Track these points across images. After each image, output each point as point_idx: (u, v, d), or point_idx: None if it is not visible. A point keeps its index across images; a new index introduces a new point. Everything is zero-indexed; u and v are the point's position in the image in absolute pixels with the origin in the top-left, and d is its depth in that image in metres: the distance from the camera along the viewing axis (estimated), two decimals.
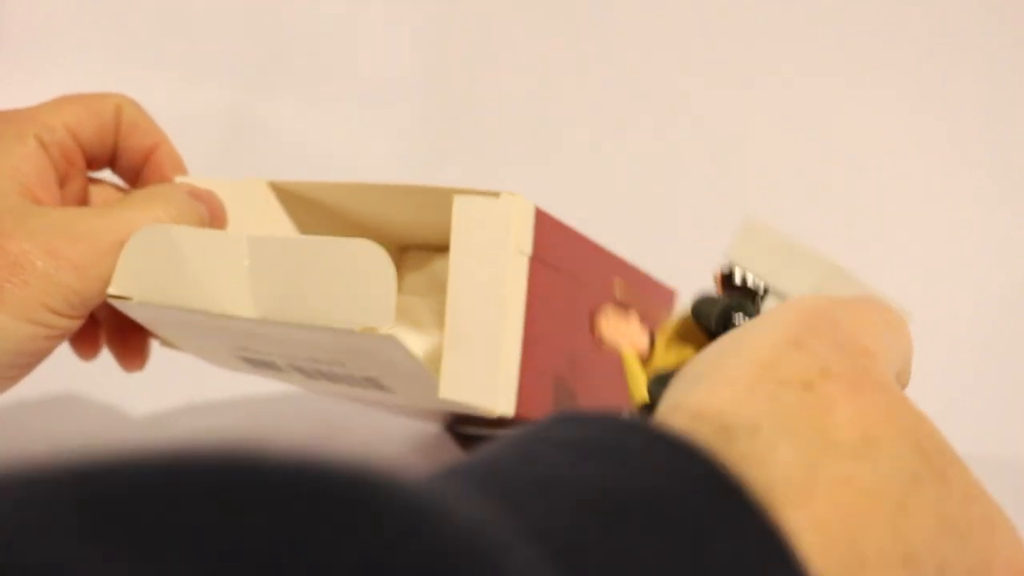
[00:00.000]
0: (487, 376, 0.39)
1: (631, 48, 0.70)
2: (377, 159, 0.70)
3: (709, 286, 0.41)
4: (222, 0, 0.71)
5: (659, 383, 0.33)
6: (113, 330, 0.46)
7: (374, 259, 0.35)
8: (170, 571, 0.12)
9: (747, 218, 0.38)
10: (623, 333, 0.36)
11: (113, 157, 0.45)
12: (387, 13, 0.71)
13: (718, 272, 0.38)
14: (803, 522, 0.20)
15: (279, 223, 0.46)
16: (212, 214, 0.42)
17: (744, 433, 0.21)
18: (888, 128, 0.68)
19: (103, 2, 0.71)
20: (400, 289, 0.45)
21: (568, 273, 0.43)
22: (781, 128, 0.68)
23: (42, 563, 0.12)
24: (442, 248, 0.49)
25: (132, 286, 0.39)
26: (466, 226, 0.40)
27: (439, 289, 0.47)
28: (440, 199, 0.42)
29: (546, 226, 0.41)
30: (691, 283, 0.69)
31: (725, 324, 0.34)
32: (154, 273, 0.38)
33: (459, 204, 0.40)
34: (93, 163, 0.44)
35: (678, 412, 0.23)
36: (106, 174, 0.46)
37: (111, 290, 0.39)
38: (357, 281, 0.35)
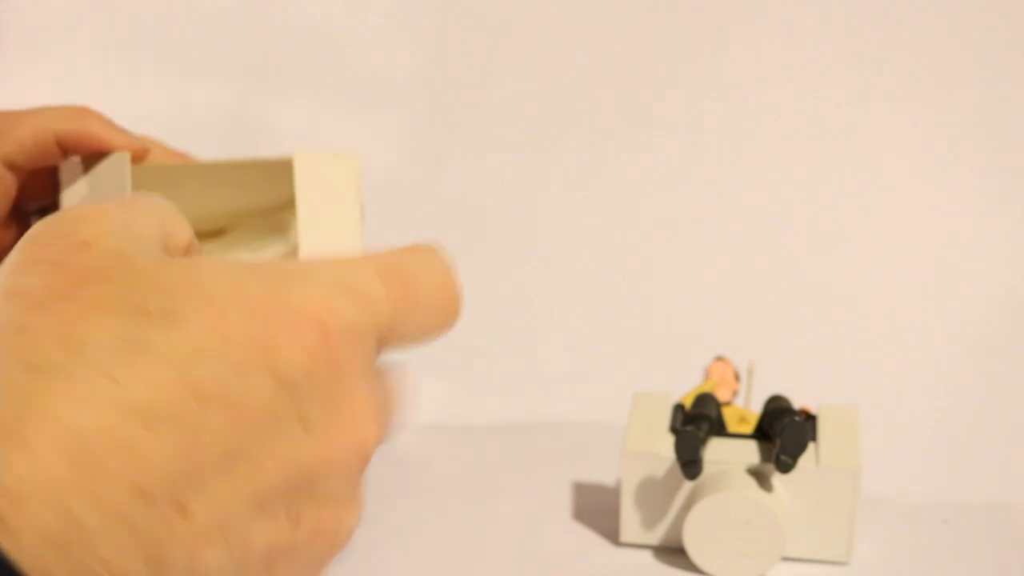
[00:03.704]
0: None
1: (631, 47, 0.70)
2: (377, 158, 0.70)
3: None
4: (222, 1, 0.71)
5: (682, 409, 0.46)
6: None
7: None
8: None
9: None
10: (725, 381, 0.47)
11: None
12: (387, 13, 0.71)
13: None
14: None
15: None
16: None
17: None
18: (888, 128, 0.68)
19: (102, 2, 0.71)
20: None
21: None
22: (781, 127, 0.68)
23: None
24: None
25: None
26: (310, 186, 0.42)
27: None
28: (265, 169, 0.44)
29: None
30: (689, 280, 0.69)
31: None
32: None
33: (300, 163, 0.42)
34: None
35: None
36: None
37: None
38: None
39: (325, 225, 0.41)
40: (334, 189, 0.42)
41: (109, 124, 0.45)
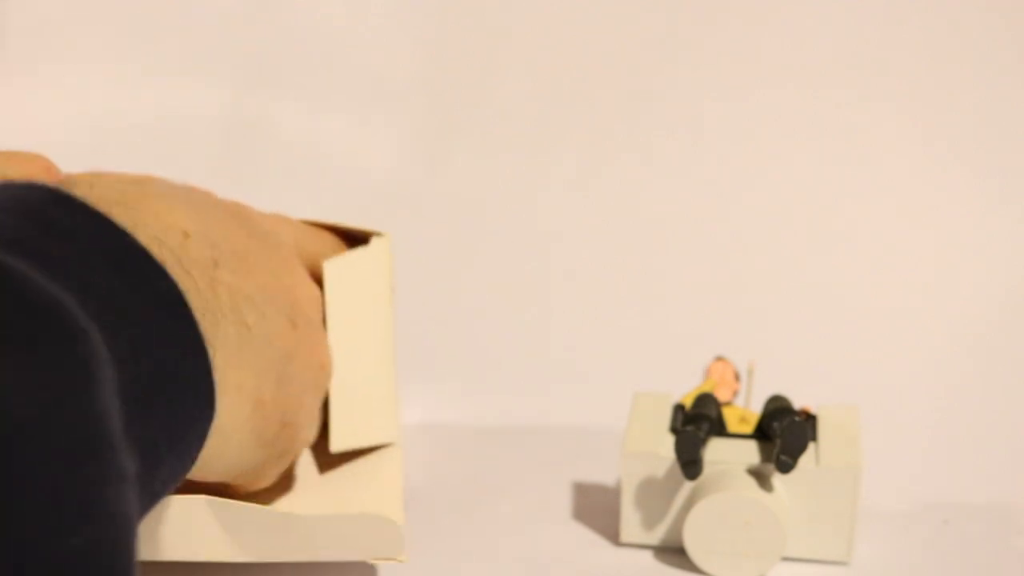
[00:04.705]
0: (384, 415, 0.42)
1: (631, 47, 0.70)
2: (378, 158, 0.70)
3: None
4: (222, 1, 0.71)
5: (682, 409, 0.46)
6: None
7: (382, 530, 0.37)
8: None
9: None
10: (725, 381, 0.47)
11: None
12: (387, 13, 0.71)
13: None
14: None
15: None
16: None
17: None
18: (888, 128, 0.68)
19: (103, 2, 0.71)
20: None
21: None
22: (781, 127, 0.68)
23: None
24: None
25: None
26: (340, 281, 0.42)
27: None
28: None
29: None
30: (689, 280, 0.69)
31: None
32: None
33: (330, 268, 0.42)
34: None
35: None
36: None
37: None
38: (360, 533, 0.37)
39: (354, 319, 0.42)
40: (364, 284, 0.43)
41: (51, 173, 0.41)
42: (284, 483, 0.43)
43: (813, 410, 0.46)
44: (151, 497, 0.28)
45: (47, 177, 0.41)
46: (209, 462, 0.34)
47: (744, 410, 0.46)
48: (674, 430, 0.45)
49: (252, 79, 0.72)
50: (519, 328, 0.65)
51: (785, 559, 0.43)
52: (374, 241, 0.44)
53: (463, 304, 0.66)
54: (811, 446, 0.43)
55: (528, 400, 0.59)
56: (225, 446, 0.35)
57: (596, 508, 0.48)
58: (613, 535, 0.46)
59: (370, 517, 0.37)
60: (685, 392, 0.47)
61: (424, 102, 0.71)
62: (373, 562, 0.38)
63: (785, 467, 0.41)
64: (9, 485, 0.21)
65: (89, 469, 0.23)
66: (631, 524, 0.45)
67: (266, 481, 0.40)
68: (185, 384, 0.29)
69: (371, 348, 0.42)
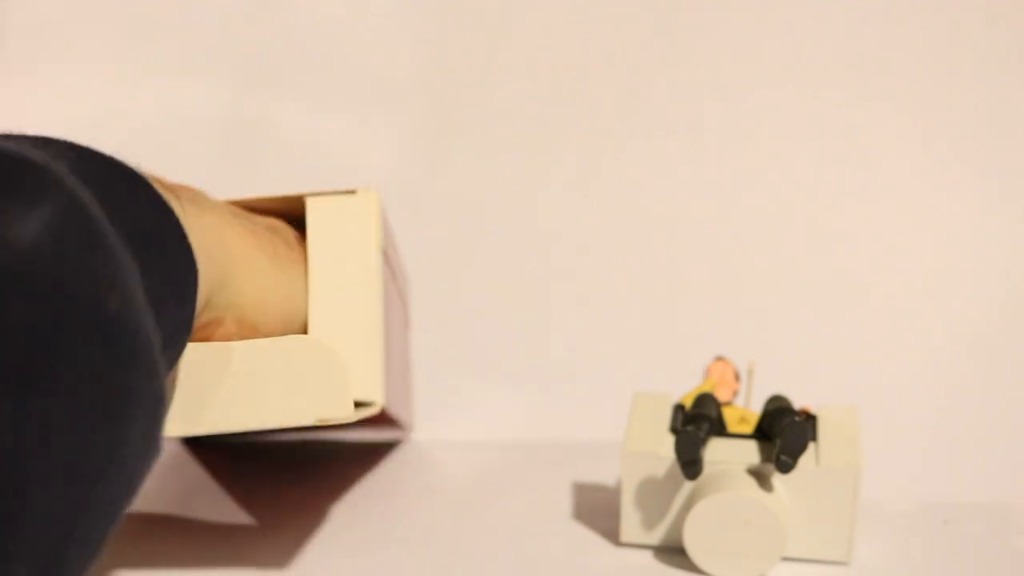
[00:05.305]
0: (367, 372, 0.41)
1: (631, 47, 0.70)
2: (378, 158, 0.70)
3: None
4: (222, 1, 0.71)
5: (682, 409, 0.46)
6: None
7: (318, 355, 0.36)
8: None
9: None
10: (725, 381, 0.47)
11: None
12: (387, 13, 0.71)
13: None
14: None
15: None
16: None
17: None
18: (888, 128, 0.68)
19: (103, 2, 0.71)
20: None
21: (389, 258, 0.45)
22: (781, 127, 0.68)
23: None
24: None
25: None
26: (324, 227, 0.42)
27: None
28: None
29: (384, 220, 0.44)
30: (689, 280, 0.69)
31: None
32: None
33: (313, 205, 0.42)
34: None
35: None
36: None
37: None
38: (304, 378, 0.36)
39: (338, 266, 0.42)
40: (348, 233, 0.42)
41: None
42: None
43: (813, 410, 0.46)
44: (164, 341, 0.31)
45: None
46: (275, 289, 0.40)
47: (744, 410, 0.46)
48: (674, 430, 0.45)
49: (252, 79, 0.72)
50: (519, 328, 0.65)
51: (785, 559, 0.43)
52: (360, 192, 0.43)
53: (463, 304, 0.66)
54: (811, 446, 0.43)
55: (528, 400, 0.59)
56: (261, 269, 0.40)
57: (596, 508, 0.48)
58: (613, 535, 0.46)
59: (313, 358, 0.36)
60: (685, 392, 0.47)
61: (424, 102, 0.71)
62: (318, 423, 0.36)
63: (785, 467, 0.41)
64: (34, 269, 0.25)
65: (101, 253, 0.27)
66: (631, 524, 0.45)
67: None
68: (163, 237, 0.33)
69: (356, 302, 0.41)
